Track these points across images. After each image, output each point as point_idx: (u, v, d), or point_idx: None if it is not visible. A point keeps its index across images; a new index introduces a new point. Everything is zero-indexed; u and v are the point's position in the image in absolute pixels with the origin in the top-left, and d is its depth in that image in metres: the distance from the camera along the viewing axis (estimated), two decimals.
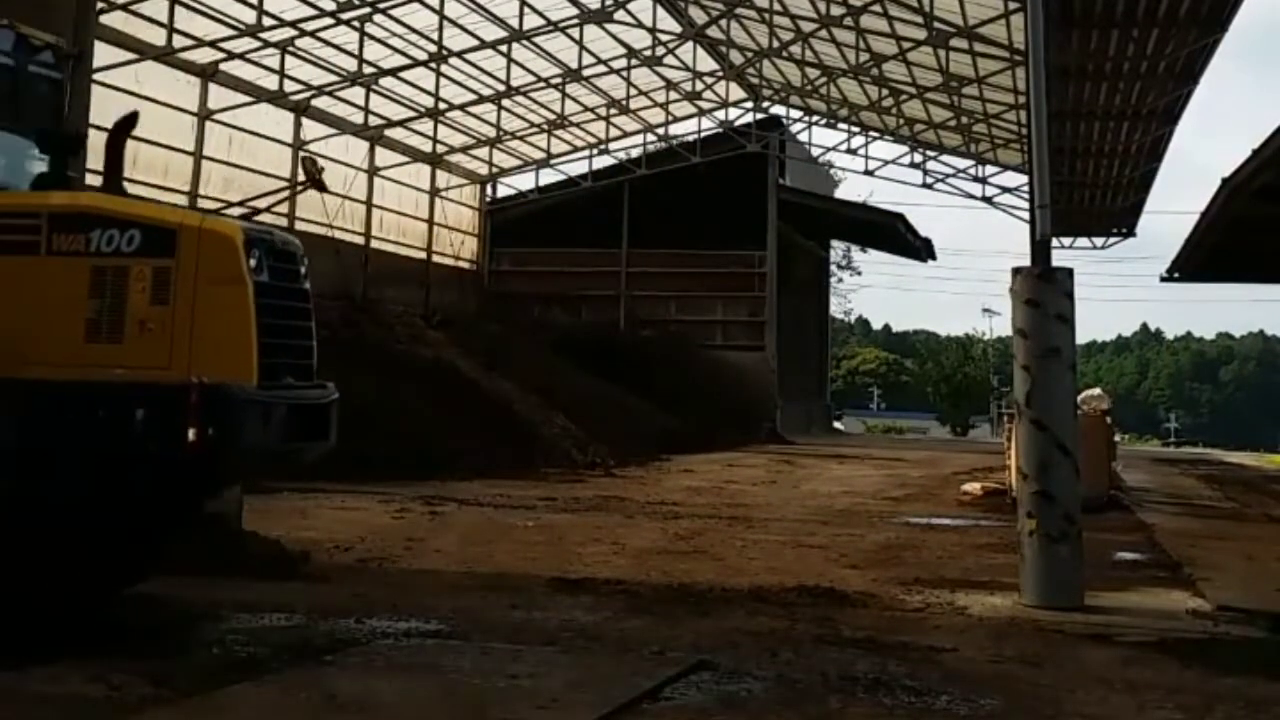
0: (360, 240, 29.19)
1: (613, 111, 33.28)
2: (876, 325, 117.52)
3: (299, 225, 26.05)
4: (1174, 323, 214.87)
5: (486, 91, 29.51)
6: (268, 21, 22.20)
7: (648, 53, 28.80)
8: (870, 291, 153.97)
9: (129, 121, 8.12)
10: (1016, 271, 9.08)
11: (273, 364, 6.79)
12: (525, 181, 36.28)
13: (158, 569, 7.97)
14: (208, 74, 22.82)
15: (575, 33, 27.72)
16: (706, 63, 31.91)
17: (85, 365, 6.56)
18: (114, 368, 6.54)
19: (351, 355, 17.97)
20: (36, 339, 6.64)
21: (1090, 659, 7.32)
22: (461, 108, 30.08)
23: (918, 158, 36.21)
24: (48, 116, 8.01)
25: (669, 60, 29.82)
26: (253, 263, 6.71)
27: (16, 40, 7.65)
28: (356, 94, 27.16)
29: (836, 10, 26.01)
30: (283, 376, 6.95)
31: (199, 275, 6.59)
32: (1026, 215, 20.71)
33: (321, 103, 26.21)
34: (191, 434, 6.41)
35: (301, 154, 26.25)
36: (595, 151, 35.62)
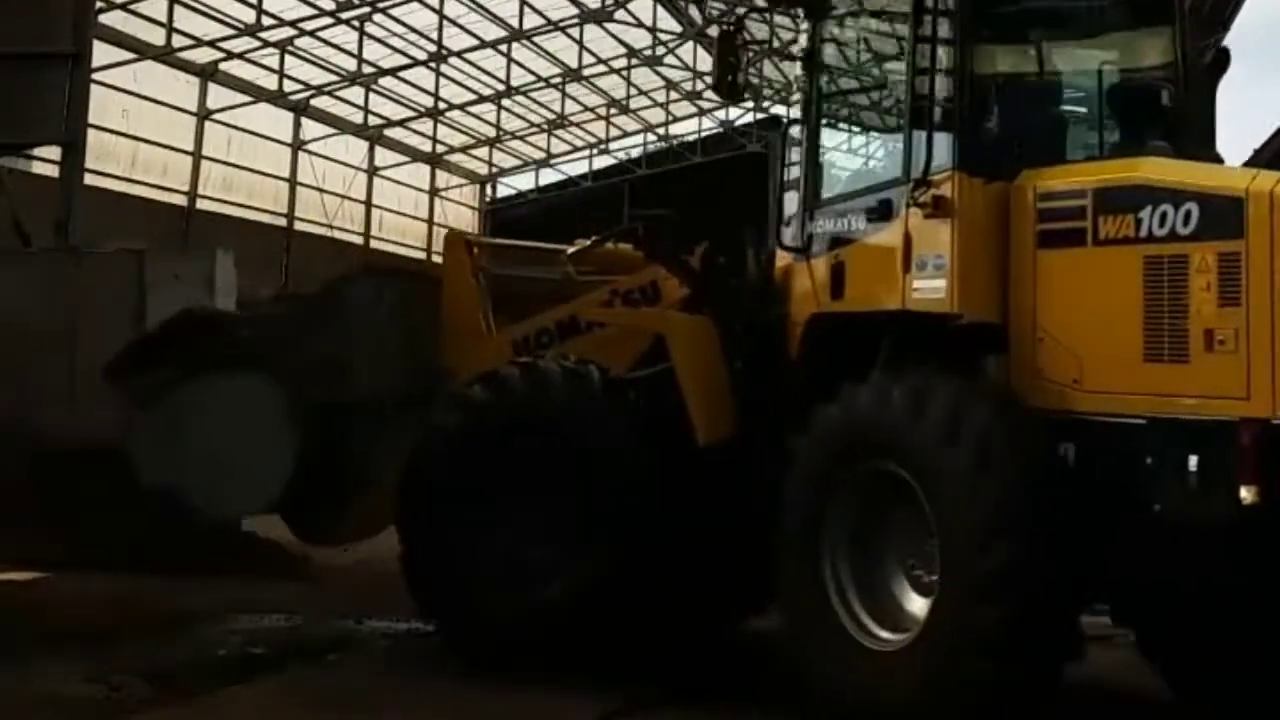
0: (359, 240, 29.16)
1: (613, 111, 33.25)
2: None
3: (298, 225, 26.11)
4: None
5: (486, 91, 29.46)
6: (267, 21, 22.16)
7: (648, 52, 28.76)
8: None
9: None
10: None
11: None
12: (525, 181, 36.28)
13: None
14: (207, 74, 22.79)
15: (575, 32, 27.68)
16: (707, 62, 31.80)
17: (1147, 394, 5.04)
18: (1179, 397, 4.98)
19: None
20: (1089, 359, 5.23)
21: (1090, 659, 7.30)
22: (461, 107, 30.04)
23: None
24: None
25: (669, 60, 29.78)
26: None
27: None
28: (356, 94, 27.12)
29: None
30: None
31: (1278, 262, 4.82)
32: None
33: (321, 102, 26.18)
34: None
35: None
36: (595, 151, 35.59)
